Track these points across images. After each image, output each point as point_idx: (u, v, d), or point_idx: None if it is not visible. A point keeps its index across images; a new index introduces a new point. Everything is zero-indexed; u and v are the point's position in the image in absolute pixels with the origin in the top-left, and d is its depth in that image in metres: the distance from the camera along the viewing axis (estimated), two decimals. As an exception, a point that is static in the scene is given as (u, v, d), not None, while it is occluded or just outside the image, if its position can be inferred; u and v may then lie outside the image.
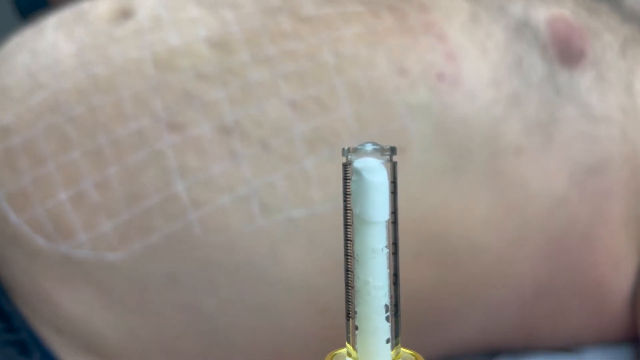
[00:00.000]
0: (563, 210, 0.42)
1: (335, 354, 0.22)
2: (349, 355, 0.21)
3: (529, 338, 0.46)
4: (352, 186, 0.20)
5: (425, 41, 0.41)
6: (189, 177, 0.39)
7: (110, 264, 0.39)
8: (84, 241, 0.39)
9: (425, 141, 0.39)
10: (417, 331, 0.42)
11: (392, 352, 0.21)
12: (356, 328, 0.21)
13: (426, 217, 0.40)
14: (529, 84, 0.41)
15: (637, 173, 0.43)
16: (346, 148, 0.21)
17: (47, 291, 0.40)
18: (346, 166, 0.21)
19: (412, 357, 0.22)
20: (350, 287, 0.21)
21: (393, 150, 0.21)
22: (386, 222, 0.20)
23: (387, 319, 0.21)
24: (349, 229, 0.21)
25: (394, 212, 0.21)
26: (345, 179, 0.21)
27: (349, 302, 0.21)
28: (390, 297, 0.21)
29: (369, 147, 0.20)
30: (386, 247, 0.20)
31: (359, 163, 0.20)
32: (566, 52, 0.42)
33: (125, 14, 0.43)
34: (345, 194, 0.21)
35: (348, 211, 0.21)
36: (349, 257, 0.21)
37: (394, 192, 0.21)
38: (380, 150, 0.20)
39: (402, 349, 0.22)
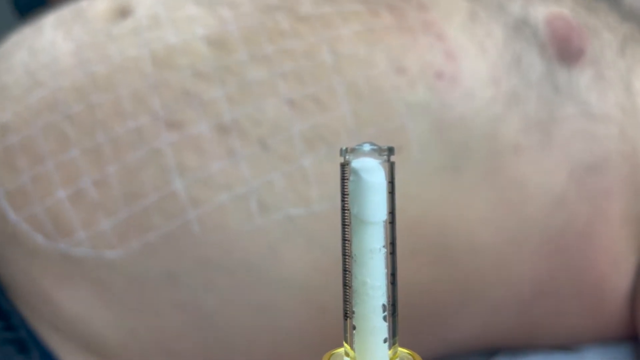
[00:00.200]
0: (562, 208, 0.42)
1: (333, 354, 0.22)
2: (347, 354, 0.21)
3: (528, 336, 0.46)
4: (350, 186, 0.20)
5: (424, 40, 0.40)
6: (187, 176, 0.39)
7: (109, 262, 0.39)
8: (83, 239, 0.39)
9: (424, 140, 0.39)
10: (415, 330, 0.42)
11: (390, 352, 0.21)
12: (354, 328, 0.21)
13: (425, 216, 0.40)
14: (528, 83, 0.41)
15: (636, 171, 0.43)
16: (344, 148, 0.21)
17: (46, 289, 0.40)
18: (344, 166, 0.21)
19: (410, 357, 0.22)
20: (348, 287, 0.21)
21: (391, 151, 0.21)
22: (384, 222, 0.20)
23: (384, 318, 0.21)
24: (346, 229, 0.21)
25: (392, 212, 0.21)
26: (343, 179, 0.21)
27: (347, 301, 0.21)
28: (388, 297, 0.21)
29: (367, 147, 0.20)
30: (384, 247, 0.21)
31: (356, 163, 0.20)
32: (565, 50, 0.42)
33: (123, 13, 0.43)
34: (343, 194, 0.21)
35: (346, 211, 0.21)
36: (347, 257, 0.21)
37: (391, 192, 0.21)
38: (378, 151, 0.20)
39: (400, 349, 0.22)
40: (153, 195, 0.39)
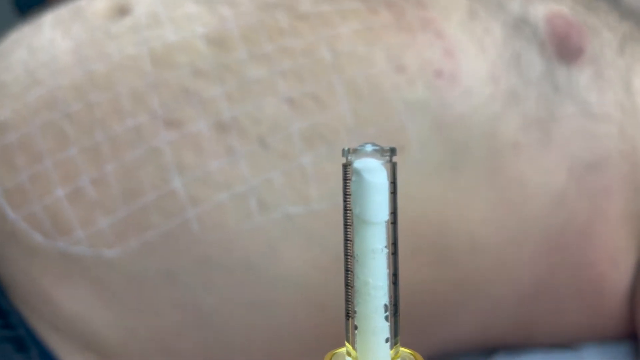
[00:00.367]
0: (562, 207, 0.42)
1: (335, 353, 0.22)
2: (349, 354, 0.21)
3: (528, 335, 0.46)
4: (352, 187, 0.20)
5: (423, 38, 0.40)
6: (186, 174, 0.39)
7: (108, 261, 0.39)
8: (81, 238, 0.39)
9: (423, 138, 0.39)
10: (415, 328, 0.42)
11: (392, 352, 0.21)
12: (355, 327, 0.21)
13: (424, 214, 0.40)
14: (528, 81, 0.41)
15: (636, 170, 0.43)
16: (346, 149, 0.21)
17: (44, 288, 0.40)
18: (346, 167, 0.21)
19: (411, 357, 0.22)
20: (349, 287, 0.21)
21: (393, 151, 0.21)
22: (386, 222, 0.20)
23: (386, 318, 0.21)
24: (348, 229, 0.21)
25: (394, 212, 0.21)
26: (345, 179, 0.21)
27: (349, 301, 0.21)
28: (390, 297, 0.21)
29: (369, 147, 0.20)
30: (386, 247, 0.21)
31: (359, 164, 0.20)
32: (565, 48, 0.42)
33: (122, 11, 0.43)
34: (345, 195, 0.21)
35: (348, 211, 0.21)
36: (349, 257, 0.21)
37: (393, 193, 0.21)
38: (380, 151, 0.20)
39: (401, 349, 0.22)
40: (152, 194, 0.39)
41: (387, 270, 0.21)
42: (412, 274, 0.40)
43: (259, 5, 0.41)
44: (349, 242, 0.21)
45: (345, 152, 0.21)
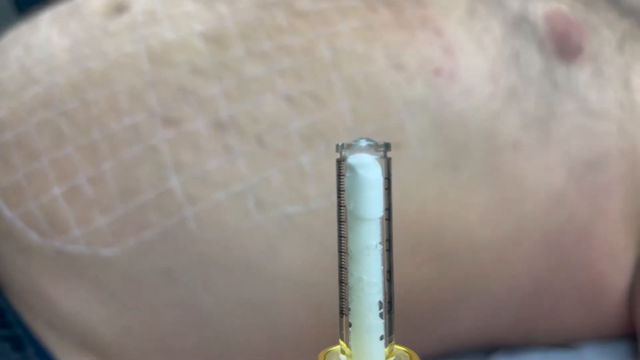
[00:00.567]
0: (561, 205, 0.41)
1: (329, 351, 0.22)
2: (343, 352, 0.21)
3: (527, 334, 0.46)
4: (346, 182, 0.20)
5: (422, 36, 0.40)
6: (184, 173, 0.38)
7: (105, 260, 0.39)
8: (78, 237, 0.39)
9: (422, 136, 0.39)
10: (414, 327, 0.42)
11: (386, 349, 0.21)
12: (350, 325, 0.21)
13: (423, 213, 0.39)
14: (527, 79, 0.41)
15: (635, 168, 0.43)
16: (340, 144, 0.20)
17: (41, 287, 0.40)
18: (340, 162, 0.21)
19: (406, 354, 0.21)
20: (344, 284, 0.21)
21: (387, 147, 0.20)
22: (380, 218, 0.20)
23: (380, 315, 0.21)
24: (342, 226, 0.21)
25: (389, 208, 0.21)
26: (339, 175, 0.21)
27: (343, 298, 0.21)
28: (384, 294, 0.21)
29: (363, 143, 0.20)
30: (380, 243, 0.20)
31: (353, 159, 0.20)
32: (564, 47, 0.42)
33: (119, 9, 0.43)
34: (339, 191, 0.21)
35: (342, 207, 0.21)
36: (343, 253, 0.21)
37: (388, 189, 0.21)
38: (374, 147, 0.20)
39: (396, 346, 0.21)
40: (149, 193, 0.39)
41: (382, 267, 0.21)
42: (411, 272, 0.40)
43: (257, 3, 0.41)
44: (343, 238, 0.21)
45: (340, 148, 0.20)
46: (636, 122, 0.43)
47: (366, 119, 0.39)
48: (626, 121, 0.42)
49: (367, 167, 0.20)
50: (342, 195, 0.21)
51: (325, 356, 0.22)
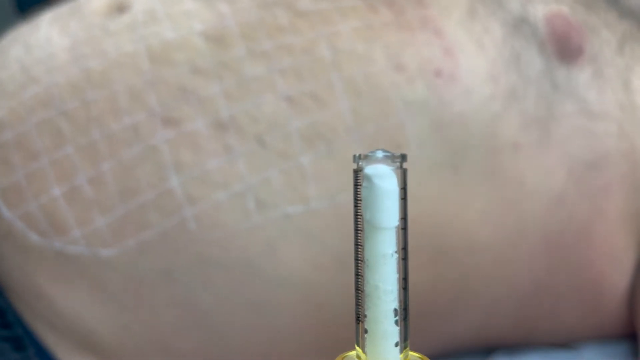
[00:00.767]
0: (561, 206, 0.42)
1: (345, 357, 0.22)
2: (359, 358, 0.22)
3: (527, 334, 0.46)
4: (363, 192, 0.21)
5: (423, 36, 0.41)
6: (184, 173, 0.38)
7: (105, 260, 0.39)
8: (78, 237, 0.39)
9: (422, 137, 0.39)
10: (413, 327, 0.42)
11: (401, 356, 0.21)
12: (366, 331, 0.21)
13: (423, 214, 0.40)
14: (527, 80, 0.41)
15: (635, 169, 0.43)
16: (357, 155, 0.21)
17: (41, 287, 0.40)
18: (357, 172, 0.21)
19: (420, 360, 0.22)
20: (360, 291, 0.21)
21: (404, 157, 0.21)
22: (396, 227, 0.21)
23: (396, 322, 0.21)
24: (359, 234, 0.21)
25: (404, 218, 0.21)
26: (356, 185, 0.21)
27: (359, 305, 0.21)
28: (400, 302, 0.21)
29: (380, 154, 0.21)
30: (396, 252, 0.21)
31: (369, 170, 0.20)
32: (564, 48, 0.43)
33: (120, 8, 0.43)
34: (356, 200, 0.21)
35: (359, 217, 0.21)
36: (359, 261, 0.21)
37: (404, 199, 0.21)
38: (390, 157, 0.21)
39: (411, 353, 0.22)
40: (149, 193, 0.39)
41: (397, 275, 0.21)
42: (411, 273, 0.40)
43: (258, 2, 0.41)
44: (359, 247, 0.21)
45: (357, 158, 0.21)
46: (636, 123, 0.43)
47: (366, 119, 0.39)
48: (626, 122, 0.43)
49: (384, 177, 0.20)
50: (358, 205, 0.21)
51: (341, 361, 0.22)
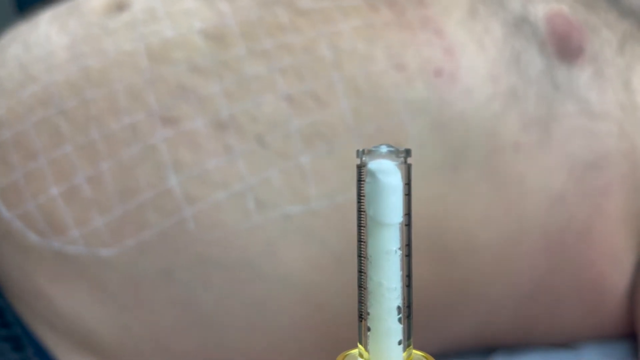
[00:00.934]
0: (561, 206, 0.42)
1: (347, 355, 0.22)
2: (361, 356, 0.21)
3: (527, 334, 0.46)
4: (366, 188, 0.20)
5: (423, 36, 0.40)
6: (183, 173, 0.38)
7: (104, 260, 0.39)
8: (76, 237, 0.39)
9: (422, 137, 0.39)
10: (414, 327, 0.42)
11: (404, 354, 0.21)
12: (369, 329, 0.21)
13: (423, 214, 0.40)
14: (528, 80, 0.41)
15: (636, 169, 0.43)
16: (361, 150, 0.21)
17: (40, 287, 0.40)
18: (360, 168, 0.21)
19: (424, 359, 0.22)
20: (363, 289, 0.21)
21: (408, 152, 0.21)
22: (400, 224, 0.20)
23: (399, 320, 0.21)
24: (362, 230, 0.21)
25: (408, 214, 0.21)
26: (360, 180, 0.21)
27: (362, 303, 0.21)
28: (403, 299, 0.21)
29: (384, 149, 0.20)
30: (399, 249, 0.21)
31: (373, 165, 0.20)
32: (565, 48, 0.42)
33: (120, 7, 0.43)
34: (359, 196, 0.21)
35: (362, 212, 0.21)
36: (363, 258, 0.21)
37: (408, 194, 0.21)
38: (395, 152, 0.20)
39: (414, 351, 0.22)
40: (148, 193, 0.38)
41: (401, 272, 0.21)
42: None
43: (259, 1, 0.41)
44: (362, 243, 0.21)
45: (360, 154, 0.21)
46: (636, 123, 0.43)
47: (367, 119, 0.39)
48: (626, 122, 0.43)
49: (388, 173, 0.20)
50: (362, 201, 0.21)
51: (344, 359, 0.22)
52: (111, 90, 0.39)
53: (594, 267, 0.43)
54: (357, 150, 0.21)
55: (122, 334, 0.40)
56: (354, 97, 0.39)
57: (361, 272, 0.21)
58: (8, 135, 0.40)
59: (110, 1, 0.43)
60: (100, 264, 0.39)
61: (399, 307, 0.21)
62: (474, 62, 0.40)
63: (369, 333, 0.21)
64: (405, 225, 0.21)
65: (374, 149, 0.20)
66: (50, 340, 0.41)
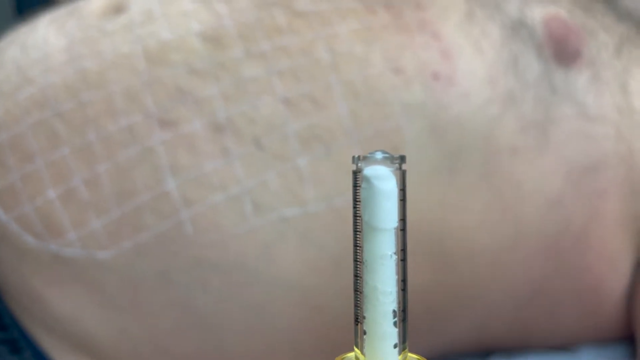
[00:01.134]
0: (558, 210, 0.42)
1: (344, 358, 0.22)
2: (357, 359, 0.22)
3: (524, 337, 0.46)
4: (362, 193, 0.21)
5: (421, 39, 0.41)
6: (180, 175, 0.38)
7: (101, 263, 0.39)
8: (73, 240, 0.39)
9: (419, 140, 0.39)
10: (411, 331, 0.42)
11: (400, 357, 0.21)
12: (364, 333, 0.21)
13: (420, 218, 0.40)
14: (525, 84, 0.41)
15: (632, 172, 0.43)
16: (356, 156, 0.21)
17: (37, 290, 0.40)
18: (356, 174, 0.21)
19: (419, 362, 0.22)
20: (359, 292, 0.21)
21: (402, 159, 0.21)
22: (395, 229, 0.21)
23: (394, 324, 0.21)
24: (358, 235, 0.21)
25: (403, 219, 0.21)
26: (355, 186, 0.21)
27: (358, 307, 0.21)
28: (399, 303, 0.21)
29: (379, 155, 0.21)
30: (395, 253, 0.21)
31: (368, 171, 0.20)
32: (562, 51, 0.43)
33: (118, 9, 0.43)
34: (355, 201, 0.21)
35: (357, 218, 0.21)
36: (358, 262, 0.21)
37: (403, 200, 0.21)
38: (390, 159, 0.21)
39: (409, 354, 0.22)
40: (145, 195, 0.38)
41: (396, 276, 0.21)
42: (408, 275, 0.40)
43: (256, 3, 0.41)
44: (358, 248, 0.21)
45: (356, 160, 0.21)
46: (633, 127, 0.43)
47: (364, 122, 0.39)
48: (623, 126, 0.43)
49: (383, 178, 0.20)
50: (357, 206, 0.21)
51: (340, 363, 0.22)
52: (108, 93, 0.39)
53: (592, 271, 0.43)
54: (353, 157, 0.21)
55: (120, 336, 0.40)
56: (352, 100, 0.39)
57: (357, 276, 0.21)
58: (5, 138, 0.40)
59: (108, 3, 0.43)
60: (97, 267, 0.39)
61: (394, 311, 0.21)
62: (471, 65, 0.40)
63: (365, 336, 0.21)
64: (401, 230, 0.21)
65: (369, 155, 0.21)
66: (47, 343, 0.41)
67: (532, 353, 0.46)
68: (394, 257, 0.21)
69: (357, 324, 0.22)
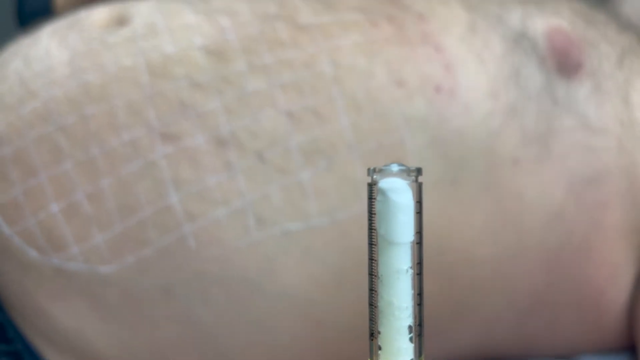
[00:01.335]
0: (560, 221, 0.42)
1: (357, 374, 0.22)
2: (372, 375, 0.21)
3: (526, 348, 0.46)
4: (377, 206, 0.20)
5: (423, 52, 0.41)
6: (183, 189, 0.38)
7: (103, 277, 0.39)
8: (76, 254, 0.39)
9: (422, 153, 0.39)
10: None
11: (416, 372, 0.21)
12: (379, 348, 0.21)
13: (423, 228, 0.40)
14: (527, 96, 0.41)
15: (634, 184, 0.43)
16: (372, 168, 0.21)
17: (39, 303, 0.40)
18: (371, 186, 0.21)
19: (435, 377, 0.22)
20: (374, 307, 0.21)
21: (419, 171, 0.21)
22: (411, 243, 0.20)
23: (410, 339, 0.21)
24: (373, 249, 0.21)
25: (419, 232, 0.21)
26: (370, 198, 0.21)
27: (373, 321, 0.21)
28: (415, 318, 0.21)
29: (395, 167, 0.21)
30: (411, 267, 0.21)
31: (384, 183, 0.20)
32: (564, 63, 0.43)
33: (120, 22, 0.43)
34: (371, 214, 0.21)
35: (373, 230, 0.21)
36: (373, 276, 0.21)
37: (419, 213, 0.21)
38: (406, 171, 0.21)
39: (425, 369, 0.22)
40: (148, 209, 0.38)
41: (412, 291, 0.21)
42: None
43: (259, 16, 0.41)
44: (373, 261, 0.21)
45: (371, 172, 0.21)
46: (635, 138, 0.43)
47: (366, 135, 0.39)
48: (625, 137, 0.43)
49: (399, 191, 0.20)
50: (372, 218, 0.21)
51: (355, 379, 0.22)
52: (111, 106, 0.39)
53: (593, 282, 0.43)
54: (368, 169, 0.21)
55: (122, 349, 0.40)
56: (354, 113, 0.39)
57: (372, 290, 0.21)
58: (8, 151, 0.40)
59: (111, 16, 0.43)
60: (100, 281, 0.39)
61: (410, 327, 0.21)
62: (473, 78, 0.41)
63: (379, 352, 0.21)
64: (417, 243, 0.21)
65: (384, 167, 0.20)
66: (50, 355, 0.40)
67: (533, 362, 0.46)
68: (410, 271, 0.21)
69: (372, 339, 0.21)
